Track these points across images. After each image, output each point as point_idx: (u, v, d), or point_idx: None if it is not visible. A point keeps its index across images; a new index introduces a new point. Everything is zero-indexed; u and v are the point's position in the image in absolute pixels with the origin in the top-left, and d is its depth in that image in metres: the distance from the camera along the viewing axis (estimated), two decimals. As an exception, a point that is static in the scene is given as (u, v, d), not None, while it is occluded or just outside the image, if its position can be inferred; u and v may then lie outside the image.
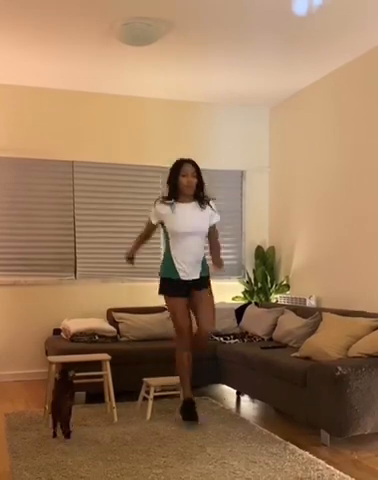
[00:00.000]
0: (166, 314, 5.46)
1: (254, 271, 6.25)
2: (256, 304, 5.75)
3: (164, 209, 3.94)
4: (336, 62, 5.10)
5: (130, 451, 3.37)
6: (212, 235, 4.11)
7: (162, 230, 4.11)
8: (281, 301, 5.92)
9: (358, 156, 5.01)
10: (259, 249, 6.32)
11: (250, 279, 6.25)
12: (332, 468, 3.06)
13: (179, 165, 3.97)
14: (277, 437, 3.62)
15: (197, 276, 3.96)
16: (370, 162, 4.84)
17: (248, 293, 6.18)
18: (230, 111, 6.31)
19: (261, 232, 6.46)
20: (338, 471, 3.02)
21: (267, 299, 6.06)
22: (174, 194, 3.96)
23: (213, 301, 4.03)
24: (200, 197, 3.99)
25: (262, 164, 6.45)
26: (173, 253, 3.93)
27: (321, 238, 5.54)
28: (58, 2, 3.90)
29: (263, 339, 5.12)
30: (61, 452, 3.35)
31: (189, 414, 3.88)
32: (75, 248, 5.80)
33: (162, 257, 4.13)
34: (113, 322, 5.33)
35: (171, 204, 3.92)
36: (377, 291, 4.67)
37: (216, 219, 4.06)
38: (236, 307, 5.67)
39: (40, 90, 5.68)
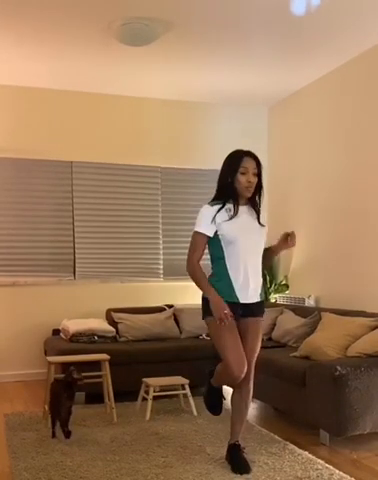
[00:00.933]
0: (165, 314, 5.48)
1: (253, 271, 6.23)
2: (255, 304, 5.73)
3: (220, 215, 3.01)
4: (334, 61, 5.11)
5: (129, 451, 3.37)
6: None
7: (208, 244, 3.08)
8: (280, 301, 5.92)
9: (357, 155, 5.02)
10: (258, 249, 6.30)
11: (249, 279, 6.24)
12: (331, 468, 3.07)
13: (238, 159, 3.00)
14: (276, 437, 3.63)
15: (258, 298, 3.13)
16: (369, 161, 4.85)
17: (247, 293, 6.17)
18: (229, 111, 6.31)
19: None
20: (337, 471, 3.02)
21: (266, 299, 6.05)
22: (228, 197, 3.04)
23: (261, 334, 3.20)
24: (255, 202, 3.12)
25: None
26: (231, 271, 3.01)
27: (320, 237, 5.54)
28: (57, 2, 3.89)
29: (262, 339, 5.11)
30: (60, 452, 3.35)
31: (236, 464, 3.06)
32: (74, 248, 5.80)
33: (210, 277, 3.09)
34: (112, 322, 5.32)
35: (230, 210, 3.03)
36: (376, 291, 4.67)
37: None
38: (235, 307, 5.66)
39: (38, 90, 5.68)
